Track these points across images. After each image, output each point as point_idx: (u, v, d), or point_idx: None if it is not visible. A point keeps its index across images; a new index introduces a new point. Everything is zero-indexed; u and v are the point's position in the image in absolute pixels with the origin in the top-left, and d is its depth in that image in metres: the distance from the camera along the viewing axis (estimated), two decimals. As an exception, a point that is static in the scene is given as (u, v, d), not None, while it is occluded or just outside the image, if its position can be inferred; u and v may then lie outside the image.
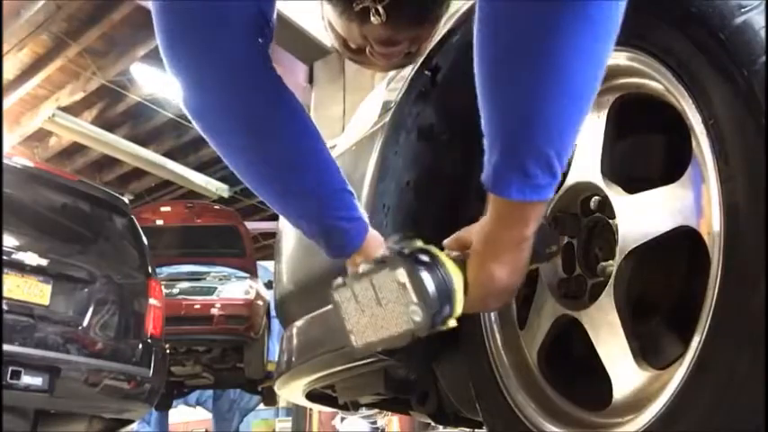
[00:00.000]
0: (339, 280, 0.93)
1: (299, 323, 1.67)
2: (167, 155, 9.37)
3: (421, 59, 1.26)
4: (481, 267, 0.89)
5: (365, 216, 1.02)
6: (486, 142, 0.81)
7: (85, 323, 3.64)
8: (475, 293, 0.90)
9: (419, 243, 0.90)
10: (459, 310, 0.88)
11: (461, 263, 0.90)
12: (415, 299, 0.83)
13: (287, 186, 1.00)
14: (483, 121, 0.80)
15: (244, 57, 0.91)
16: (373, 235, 1.02)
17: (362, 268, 0.90)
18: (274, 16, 0.95)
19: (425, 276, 0.83)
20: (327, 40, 1.05)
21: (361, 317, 0.90)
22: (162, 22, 0.88)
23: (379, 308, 0.87)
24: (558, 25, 0.70)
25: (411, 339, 0.86)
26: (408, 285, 0.83)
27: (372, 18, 0.89)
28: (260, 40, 0.92)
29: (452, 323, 0.88)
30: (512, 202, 0.80)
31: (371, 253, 0.99)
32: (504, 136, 0.78)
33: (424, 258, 0.86)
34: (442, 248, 0.93)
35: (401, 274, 0.84)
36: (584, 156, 1.06)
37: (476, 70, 0.78)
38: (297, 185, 1.00)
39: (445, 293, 0.85)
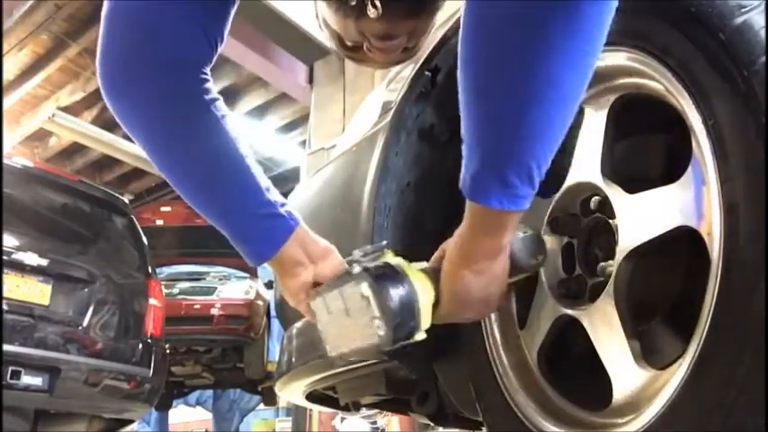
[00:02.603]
0: (316, 289, 0.94)
1: (298, 324, 1.67)
2: (167, 155, 9.36)
3: (420, 57, 1.26)
4: (455, 277, 0.88)
5: (283, 226, 0.97)
6: (464, 148, 0.80)
7: (85, 323, 3.63)
8: (449, 304, 0.90)
9: (388, 256, 0.91)
10: (425, 323, 0.88)
11: (435, 274, 0.90)
12: (377, 313, 0.84)
13: (200, 203, 0.99)
14: (463, 127, 0.79)
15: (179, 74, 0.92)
16: (298, 240, 0.98)
17: (334, 279, 0.91)
18: (225, 36, 0.96)
19: (388, 292, 0.85)
20: (326, 39, 1.05)
21: (333, 326, 0.92)
22: (109, 28, 0.90)
23: (348, 319, 0.88)
24: (545, 28, 0.69)
25: (377, 352, 0.87)
26: (372, 300, 0.84)
27: (369, 11, 0.88)
28: (203, 72, 0.95)
29: (420, 336, 0.89)
30: (489, 210, 0.80)
31: (285, 257, 0.97)
32: (485, 144, 0.77)
33: (389, 272, 0.87)
34: (426, 259, 0.93)
35: (365, 288, 0.85)
36: (585, 156, 1.06)
37: (458, 76, 0.77)
38: (207, 201, 0.99)
39: (408, 308, 0.86)
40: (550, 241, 1.10)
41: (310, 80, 6.86)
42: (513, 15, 0.70)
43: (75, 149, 9.45)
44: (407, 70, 1.35)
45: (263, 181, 0.99)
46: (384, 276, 0.86)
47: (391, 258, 0.91)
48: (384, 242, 0.95)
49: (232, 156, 0.97)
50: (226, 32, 0.97)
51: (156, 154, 0.97)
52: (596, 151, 1.04)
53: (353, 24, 0.92)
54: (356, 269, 0.88)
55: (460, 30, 0.75)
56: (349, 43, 0.98)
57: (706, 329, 0.80)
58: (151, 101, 0.93)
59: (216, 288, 6.84)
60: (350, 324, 0.88)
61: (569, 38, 0.70)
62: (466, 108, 0.78)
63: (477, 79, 0.75)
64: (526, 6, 0.69)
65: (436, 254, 0.96)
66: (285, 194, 1.12)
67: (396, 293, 0.85)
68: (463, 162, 0.80)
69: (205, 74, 0.96)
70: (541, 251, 1.00)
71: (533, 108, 0.73)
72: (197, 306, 6.57)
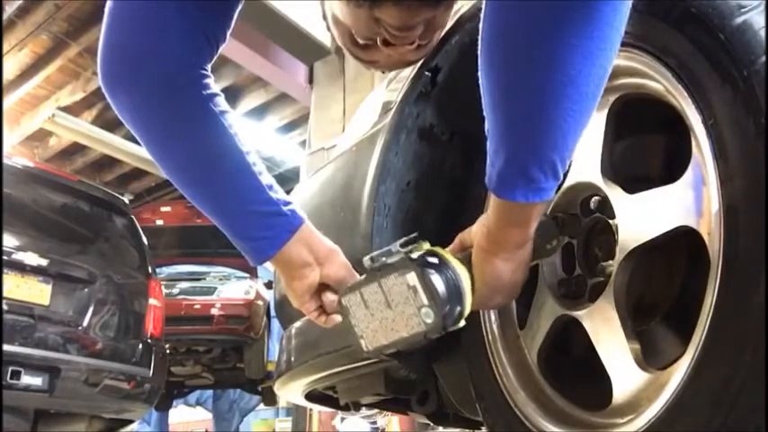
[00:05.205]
0: (347, 285, 0.94)
1: (298, 324, 1.66)
2: (167, 155, 9.34)
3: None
4: (487, 264, 0.90)
5: (285, 224, 0.97)
6: (489, 146, 0.81)
7: (85, 323, 3.64)
8: (482, 290, 0.91)
9: (426, 245, 0.90)
10: (468, 308, 0.89)
11: (467, 262, 0.91)
12: (426, 301, 0.84)
13: (199, 199, 1.00)
14: (487, 125, 0.80)
15: (176, 71, 0.93)
16: (303, 239, 0.98)
17: (370, 272, 0.90)
18: (227, 35, 0.97)
19: (435, 279, 0.85)
20: (328, 39, 1.04)
21: (371, 321, 0.91)
22: (109, 29, 0.92)
23: (389, 311, 0.88)
24: (563, 29, 0.70)
25: (423, 341, 0.87)
26: (419, 288, 0.84)
27: None
28: (202, 69, 0.95)
29: (462, 323, 0.89)
30: (515, 204, 0.81)
31: (292, 257, 0.98)
32: (509, 142, 0.78)
33: (433, 260, 0.87)
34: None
35: (411, 278, 0.85)
36: (585, 156, 1.06)
37: (480, 75, 0.77)
38: (207, 199, 0.99)
39: (456, 294, 0.87)
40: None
41: (310, 80, 6.86)
42: (529, 17, 0.71)
43: (75, 149, 9.45)
44: (408, 70, 1.35)
45: (266, 178, 0.98)
46: (429, 264, 0.86)
47: (429, 247, 0.91)
48: (415, 233, 0.94)
49: (231, 151, 0.96)
50: (228, 31, 0.97)
51: (153, 148, 0.98)
52: (596, 151, 1.04)
53: (367, 13, 0.90)
54: (395, 260, 0.88)
55: (480, 31, 0.75)
56: (361, 41, 0.96)
57: (706, 329, 0.80)
58: (148, 95, 0.93)
59: (216, 288, 6.85)
60: (391, 316, 0.88)
61: (586, 37, 0.70)
62: (488, 107, 0.79)
63: (497, 80, 0.76)
64: (542, 7, 0.70)
65: (454, 244, 0.96)
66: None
67: (443, 280, 0.85)
68: (488, 159, 0.81)
69: (205, 70, 0.96)
70: (555, 236, 1.00)
71: (554, 107, 0.74)
72: (197, 306, 6.58)
